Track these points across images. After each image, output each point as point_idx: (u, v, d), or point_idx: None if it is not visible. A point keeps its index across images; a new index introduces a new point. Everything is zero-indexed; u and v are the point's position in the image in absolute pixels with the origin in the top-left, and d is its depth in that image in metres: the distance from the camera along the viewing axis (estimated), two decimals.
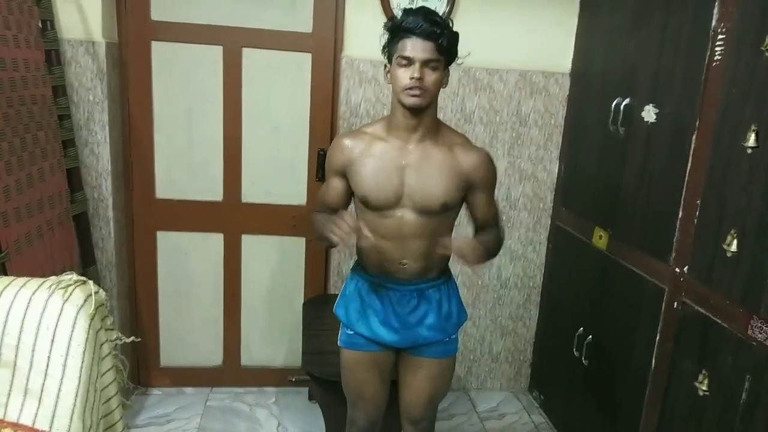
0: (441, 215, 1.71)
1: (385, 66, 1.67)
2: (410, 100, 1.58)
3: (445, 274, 1.84)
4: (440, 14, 1.74)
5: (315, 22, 2.64)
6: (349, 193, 1.78)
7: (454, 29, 1.62)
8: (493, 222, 1.82)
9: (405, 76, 1.57)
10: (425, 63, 1.56)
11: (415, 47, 1.55)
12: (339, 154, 1.74)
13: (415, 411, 1.88)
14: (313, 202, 2.81)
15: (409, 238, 1.70)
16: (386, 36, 1.64)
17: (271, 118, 2.72)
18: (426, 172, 1.66)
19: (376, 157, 1.68)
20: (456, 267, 2.85)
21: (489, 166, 1.74)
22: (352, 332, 1.81)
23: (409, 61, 1.56)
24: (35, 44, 2.15)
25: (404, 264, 1.73)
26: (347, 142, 1.73)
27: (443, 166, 1.67)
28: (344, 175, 1.74)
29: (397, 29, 1.59)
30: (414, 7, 1.80)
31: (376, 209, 1.69)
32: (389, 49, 1.63)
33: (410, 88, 1.57)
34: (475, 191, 1.74)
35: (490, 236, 1.76)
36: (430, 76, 1.57)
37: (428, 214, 1.68)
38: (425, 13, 1.58)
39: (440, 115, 1.78)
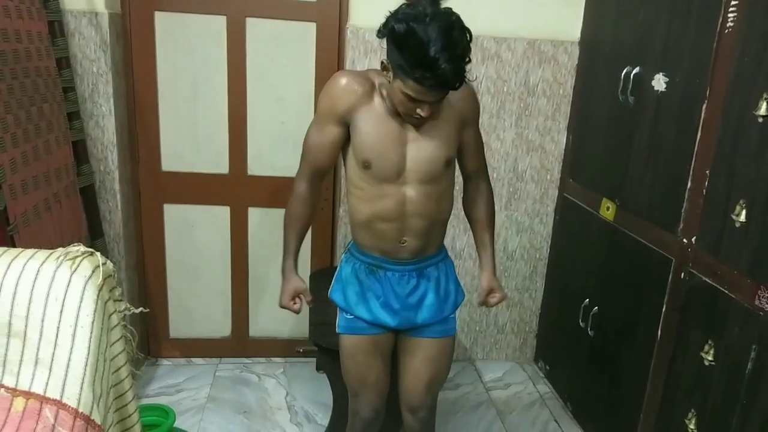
0: (442, 177, 1.64)
1: (383, 62, 1.48)
2: (410, 122, 1.54)
3: (442, 251, 1.79)
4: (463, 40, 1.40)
5: None
6: (341, 147, 1.64)
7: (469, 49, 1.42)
8: (482, 165, 1.79)
9: (410, 106, 1.47)
10: (434, 102, 1.47)
11: (427, 94, 1.42)
12: (345, 96, 1.55)
13: (414, 397, 1.81)
14: None
15: (410, 216, 1.63)
16: (394, 51, 1.42)
17: (276, 89, 2.70)
18: (427, 136, 1.58)
19: (379, 120, 1.56)
20: (462, 240, 2.86)
21: (474, 96, 1.69)
22: (351, 316, 1.75)
23: (417, 101, 1.45)
24: (38, 15, 2.13)
25: (404, 242, 1.67)
26: (355, 81, 1.55)
27: (440, 120, 1.59)
28: (345, 123, 1.58)
29: (410, 61, 1.37)
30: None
31: (377, 180, 1.60)
32: (393, 63, 1.43)
33: (412, 115, 1.50)
34: (466, 128, 1.67)
35: (489, 212, 1.82)
36: (434, 106, 1.49)
37: (431, 182, 1.62)
38: (449, 53, 1.34)
39: None
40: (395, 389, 1.87)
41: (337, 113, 1.58)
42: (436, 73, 1.36)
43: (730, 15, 1.75)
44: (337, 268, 1.83)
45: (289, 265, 1.74)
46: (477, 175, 1.80)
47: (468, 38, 1.40)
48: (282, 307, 1.77)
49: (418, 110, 1.47)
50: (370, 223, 1.66)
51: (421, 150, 1.59)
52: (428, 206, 1.64)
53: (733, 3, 1.74)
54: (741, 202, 1.66)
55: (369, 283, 1.73)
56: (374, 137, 1.57)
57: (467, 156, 1.75)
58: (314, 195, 1.73)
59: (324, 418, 2.54)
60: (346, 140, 1.63)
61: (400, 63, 1.41)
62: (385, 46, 1.45)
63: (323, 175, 1.73)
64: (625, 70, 2.25)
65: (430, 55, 1.34)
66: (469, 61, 1.42)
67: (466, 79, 1.46)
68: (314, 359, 2.89)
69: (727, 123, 1.75)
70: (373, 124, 1.57)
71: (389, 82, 1.49)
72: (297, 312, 1.78)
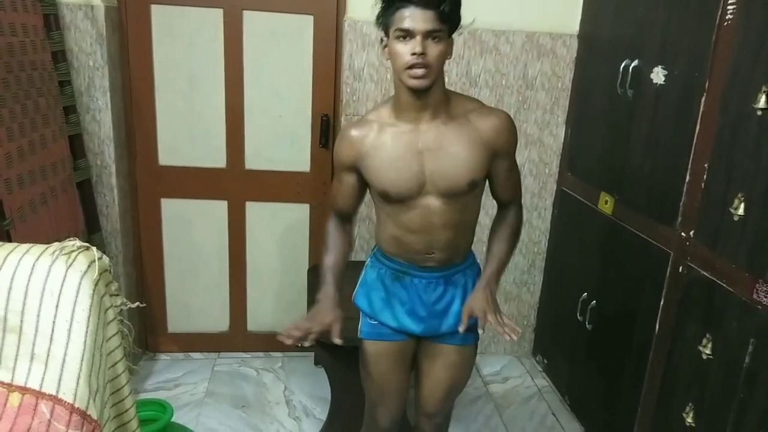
0: (467, 195, 1.58)
1: (382, 40, 1.49)
2: (414, 82, 1.43)
3: (470, 257, 1.75)
4: None
5: None
6: (364, 187, 1.66)
7: None
8: (515, 196, 1.71)
9: (405, 51, 1.41)
10: (427, 35, 1.39)
11: (414, 18, 1.38)
12: (347, 149, 1.59)
13: (432, 403, 1.79)
14: (316, 169, 2.80)
15: (436, 228, 1.58)
16: (380, 4, 1.45)
17: (273, 83, 2.69)
18: (446, 151, 1.52)
19: (388, 146, 1.53)
20: None
21: (510, 127, 1.59)
22: (375, 322, 1.71)
23: (409, 34, 1.39)
24: (33, 8, 2.11)
25: (432, 253, 1.62)
26: (355, 133, 1.58)
27: (462, 140, 1.53)
28: (356, 170, 1.61)
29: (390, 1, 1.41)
30: None
31: (398, 201, 1.57)
32: (384, 20, 1.45)
33: (412, 67, 1.41)
34: (497, 158, 1.59)
35: (507, 238, 1.70)
36: (434, 49, 1.41)
37: (455, 196, 1.56)
38: None
39: (445, 80, 1.63)
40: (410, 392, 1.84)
41: (346, 164, 1.62)
42: None
43: (729, 7, 1.74)
44: (362, 273, 1.78)
45: (322, 291, 1.63)
46: (509, 203, 1.73)
47: None
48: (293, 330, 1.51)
49: (416, 49, 1.39)
50: (398, 236, 1.63)
51: (440, 161, 1.53)
52: (453, 216, 1.59)
53: None
54: (739, 195, 1.66)
55: (394, 289, 1.68)
56: (387, 167, 1.54)
57: (498, 186, 1.67)
58: (342, 232, 1.74)
59: (322, 413, 2.54)
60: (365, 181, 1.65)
61: (384, 8, 1.44)
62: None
63: (348, 216, 1.75)
64: (623, 63, 2.25)
65: None
66: None
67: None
68: (313, 353, 2.90)
69: (726, 116, 1.74)
70: (384, 157, 1.54)
71: (386, 50, 1.48)
72: (292, 340, 1.49)
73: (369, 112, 1.64)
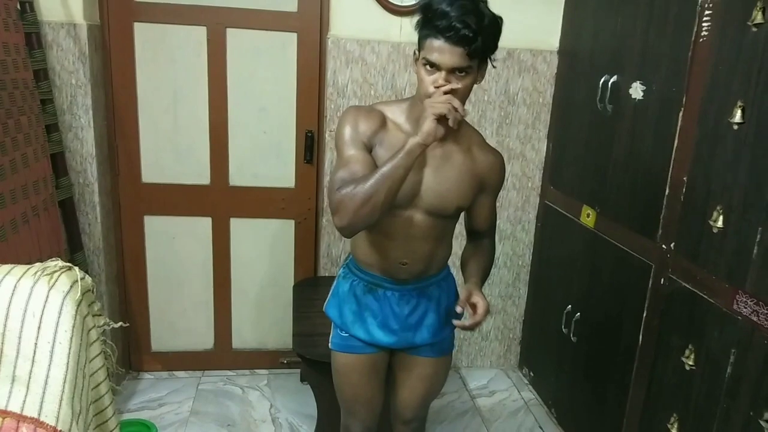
0: (451, 217, 1.61)
1: (415, 52, 1.47)
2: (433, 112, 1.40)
3: (445, 269, 1.75)
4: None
5: (300, 1, 2.60)
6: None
7: (495, 16, 1.41)
8: (490, 231, 1.74)
9: (429, 81, 1.40)
10: (452, 70, 1.38)
11: (442, 52, 1.36)
12: (370, 121, 1.51)
13: (408, 411, 1.80)
14: (301, 185, 2.80)
15: (413, 239, 1.58)
16: (417, 19, 1.43)
17: (257, 99, 2.69)
18: (445, 174, 1.54)
19: (394, 147, 1.46)
20: None
21: (502, 170, 1.65)
22: (346, 335, 1.70)
23: (435, 67, 1.39)
24: (14, 27, 2.10)
25: (404, 264, 1.61)
26: (368, 111, 1.54)
27: (462, 168, 1.55)
28: (369, 147, 1.51)
29: (426, 21, 1.39)
30: None
31: None
32: (418, 35, 1.43)
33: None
34: (483, 194, 1.64)
35: (486, 260, 1.68)
36: (458, 84, 1.40)
37: (440, 216, 1.57)
38: (460, 7, 1.34)
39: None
40: (387, 400, 1.85)
41: (361, 138, 1.51)
42: (448, 18, 1.34)
43: (704, 24, 1.79)
44: (334, 283, 1.78)
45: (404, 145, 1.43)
46: (483, 234, 1.74)
47: (482, 7, 1.40)
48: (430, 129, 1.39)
49: (440, 80, 1.39)
50: (374, 240, 1.61)
51: (437, 180, 1.54)
52: (432, 231, 1.59)
53: (707, 12, 1.77)
54: (718, 208, 1.69)
55: (366, 301, 1.67)
56: None
57: (477, 217, 1.69)
58: None
59: (309, 430, 2.52)
60: None
61: (418, 28, 1.42)
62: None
63: None
64: (603, 79, 2.28)
65: (442, 8, 1.36)
66: (487, 23, 1.38)
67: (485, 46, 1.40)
68: (298, 370, 2.88)
69: (704, 130, 1.78)
70: (390, 153, 1.47)
71: (416, 63, 1.46)
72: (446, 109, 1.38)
73: (377, 104, 1.60)
